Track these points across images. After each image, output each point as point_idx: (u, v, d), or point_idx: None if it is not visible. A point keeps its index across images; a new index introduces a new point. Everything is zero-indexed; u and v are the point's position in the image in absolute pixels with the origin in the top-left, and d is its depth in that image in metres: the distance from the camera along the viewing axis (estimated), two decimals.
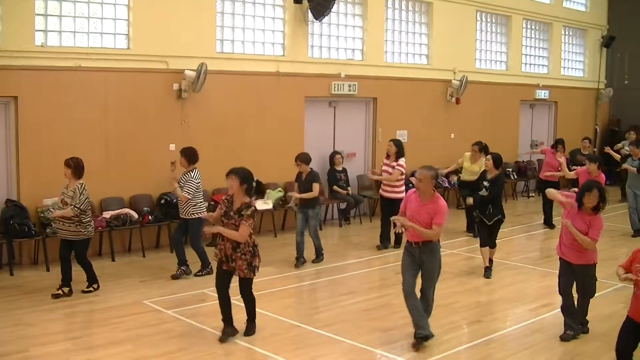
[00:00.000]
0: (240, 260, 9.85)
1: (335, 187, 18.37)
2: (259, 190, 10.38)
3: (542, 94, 26.21)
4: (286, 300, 12.39)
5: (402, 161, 15.60)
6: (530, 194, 24.70)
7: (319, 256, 14.85)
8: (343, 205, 18.75)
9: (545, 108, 27.21)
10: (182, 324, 10.66)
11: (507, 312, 11.92)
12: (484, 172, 14.41)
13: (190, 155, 13.32)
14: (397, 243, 15.76)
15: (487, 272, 14.07)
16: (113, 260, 14.54)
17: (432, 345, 9.98)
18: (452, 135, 21.72)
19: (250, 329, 10.26)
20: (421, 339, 9.84)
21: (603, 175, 15.62)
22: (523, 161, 24.75)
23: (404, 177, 15.80)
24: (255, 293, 10.30)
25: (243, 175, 9.86)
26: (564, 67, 28.12)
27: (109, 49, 14.97)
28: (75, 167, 11.93)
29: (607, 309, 11.43)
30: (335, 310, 11.51)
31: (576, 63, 28.91)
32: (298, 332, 10.50)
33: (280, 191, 16.83)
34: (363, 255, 15.51)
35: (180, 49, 15.58)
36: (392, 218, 10.10)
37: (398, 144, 15.70)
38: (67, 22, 14.52)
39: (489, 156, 14.38)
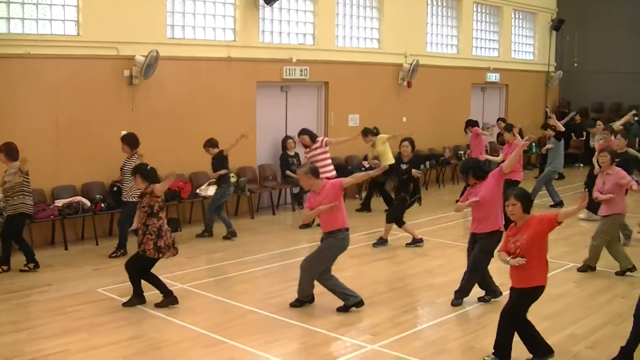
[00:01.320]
0: (148, 241, 10.37)
1: (288, 172, 18.37)
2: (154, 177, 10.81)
3: (493, 77, 26.44)
4: (240, 286, 12.38)
5: None
6: None
7: (204, 232, 15.63)
8: (296, 190, 18.76)
9: (496, 91, 27.45)
10: (136, 312, 10.60)
11: None
12: (399, 157, 14.90)
13: (132, 141, 13.70)
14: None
15: (381, 242, 14.94)
16: (66, 249, 14.43)
17: (387, 327, 10.11)
18: (404, 119, 21.77)
19: (164, 302, 10.74)
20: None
21: (518, 138, 16.67)
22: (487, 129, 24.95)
23: None
24: (209, 279, 10.36)
25: (144, 174, 10.72)
26: (515, 51, 28.39)
27: (58, 35, 14.80)
28: (8, 151, 12.42)
29: (557, 289, 11.56)
30: (288, 294, 11.49)
31: (526, 46, 29.20)
32: (253, 317, 10.51)
33: (232, 177, 16.81)
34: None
35: (131, 35, 15.45)
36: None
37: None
38: (15, 9, 14.32)
39: (406, 142, 14.85)
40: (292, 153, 18.63)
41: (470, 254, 11.18)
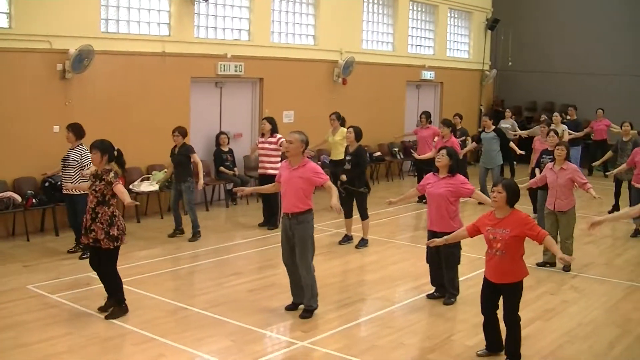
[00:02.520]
0: (99, 230, 9.87)
1: (221, 168, 18.33)
2: (121, 160, 10.39)
3: (428, 74, 26.68)
4: (172, 283, 12.37)
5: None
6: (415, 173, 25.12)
7: (195, 234, 14.96)
8: (230, 186, 18.74)
9: (431, 88, 27.71)
10: (67, 309, 10.52)
11: (391, 290, 12.12)
12: (347, 147, 14.93)
13: (78, 130, 13.41)
14: (272, 224, 16.05)
15: (345, 240, 14.88)
16: None
17: (318, 324, 10.18)
18: (267, 110, 21.73)
19: (114, 312, 10.16)
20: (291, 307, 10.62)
21: (454, 139, 17.41)
22: (409, 141, 25.09)
23: None
24: (141, 276, 10.29)
25: (102, 147, 10.09)
26: (450, 49, 28.71)
27: None
28: None
29: None
30: (221, 291, 11.56)
31: (461, 45, 29.55)
32: (184, 314, 10.50)
33: (165, 172, 16.72)
34: (250, 236, 15.56)
35: (64, 29, 15.25)
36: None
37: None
38: None
39: (350, 129, 14.77)
40: (226, 149, 18.57)
41: (430, 252, 11.27)
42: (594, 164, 19.45)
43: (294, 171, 10.19)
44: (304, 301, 10.49)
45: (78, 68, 15.26)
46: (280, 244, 10.59)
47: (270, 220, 16.08)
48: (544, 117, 22.46)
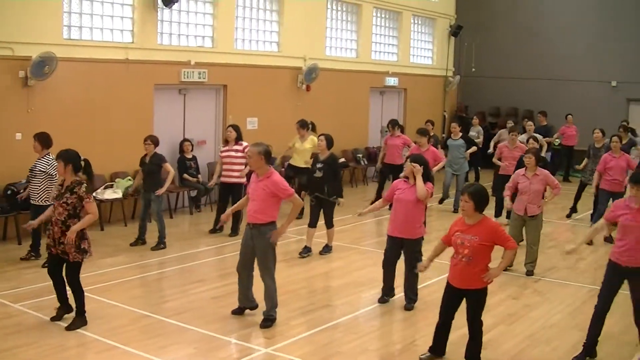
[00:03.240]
0: (69, 243, 9.75)
1: (185, 175, 18.29)
2: (88, 170, 10.27)
3: (392, 81, 26.77)
4: (136, 290, 12.29)
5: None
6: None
7: (159, 244, 14.80)
8: (193, 193, 18.70)
9: (395, 95, 27.82)
10: (29, 317, 10.46)
11: (356, 296, 12.21)
12: (317, 155, 14.86)
13: (44, 140, 13.30)
14: (234, 231, 16.03)
15: (305, 252, 14.59)
16: None
17: (281, 330, 10.21)
18: (231, 117, 21.58)
19: (75, 323, 10.07)
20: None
21: (433, 148, 17.47)
22: (373, 147, 25.17)
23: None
24: (104, 284, 10.25)
25: (66, 157, 9.99)
26: (413, 55, 28.84)
27: None
28: None
29: None
30: (184, 298, 11.56)
31: (425, 51, 29.70)
32: (147, 322, 10.48)
33: (129, 180, 16.65)
34: (213, 243, 15.53)
35: (27, 35, 15.14)
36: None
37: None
38: None
39: (322, 136, 14.74)
40: (189, 156, 18.51)
41: (389, 256, 11.43)
42: (577, 167, 19.58)
43: (260, 182, 10.20)
44: (264, 311, 10.46)
45: (39, 75, 15.15)
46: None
47: (233, 226, 16.05)
48: (510, 123, 22.62)
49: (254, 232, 10.23)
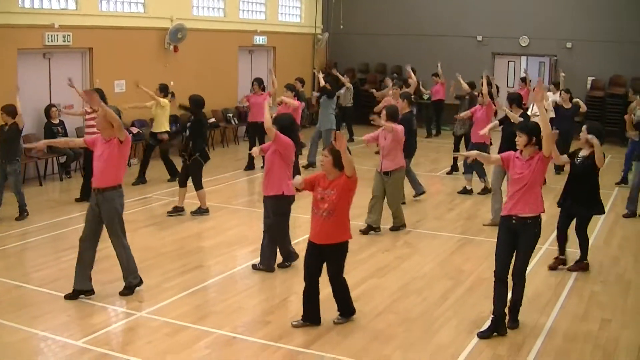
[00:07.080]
0: None
1: (53, 140, 17.93)
2: None
3: (261, 39, 26.73)
4: (5, 261, 12.02)
5: None
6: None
7: (22, 213, 14.40)
8: (63, 159, 18.40)
9: (264, 53, 27.81)
10: None
11: (228, 255, 12.37)
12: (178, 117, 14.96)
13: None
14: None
15: (174, 211, 14.64)
16: None
17: (155, 293, 10.29)
18: (172, 83, 21.56)
19: None
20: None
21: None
22: (243, 106, 25.11)
23: None
24: None
25: None
26: (282, 14, 28.85)
27: None
28: None
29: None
30: (57, 266, 11.44)
31: (293, 9, 29.74)
32: (19, 292, 10.35)
33: None
34: (85, 209, 15.30)
35: None
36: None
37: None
38: None
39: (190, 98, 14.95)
40: (56, 121, 18.15)
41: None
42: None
43: (105, 143, 9.88)
44: (123, 278, 10.23)
45: None
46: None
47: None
48: (391, 79, 22.96)
49: (99, 198, 9.98)
